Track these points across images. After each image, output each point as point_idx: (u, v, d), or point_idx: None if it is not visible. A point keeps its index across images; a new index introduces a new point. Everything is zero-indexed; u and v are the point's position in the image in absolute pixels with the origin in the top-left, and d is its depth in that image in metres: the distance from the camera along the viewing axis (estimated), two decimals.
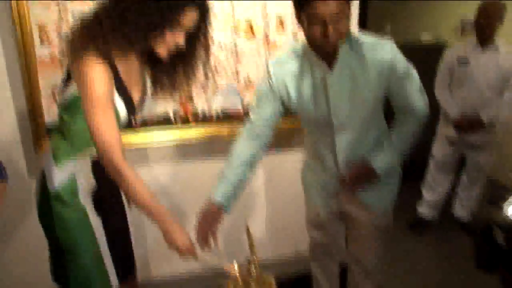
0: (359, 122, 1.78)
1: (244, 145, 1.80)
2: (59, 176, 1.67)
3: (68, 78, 1.62)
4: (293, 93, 1.77)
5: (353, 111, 1.74)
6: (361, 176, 1.81)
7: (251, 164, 1.80)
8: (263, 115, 1.81)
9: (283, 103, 1.81)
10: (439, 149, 3.57)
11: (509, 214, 1.24)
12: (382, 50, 1.67)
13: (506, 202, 1.35)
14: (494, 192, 3.86)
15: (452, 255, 3.23)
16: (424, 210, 3.70)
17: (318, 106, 1.76)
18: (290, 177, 2.71)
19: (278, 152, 2.72)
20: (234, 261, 1.52)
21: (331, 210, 2.03)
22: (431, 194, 3.67)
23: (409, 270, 3.12)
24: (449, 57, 3.37)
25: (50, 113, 2.26)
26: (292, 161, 2.66)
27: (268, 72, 1.78)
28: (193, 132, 2.53)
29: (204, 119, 2.54)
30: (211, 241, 1.71)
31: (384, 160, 1.80)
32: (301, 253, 2.89)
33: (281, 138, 2.69)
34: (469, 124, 3.28)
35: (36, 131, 2.28)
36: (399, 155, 1.82)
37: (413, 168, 3.53)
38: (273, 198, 2.82)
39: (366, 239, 2.01)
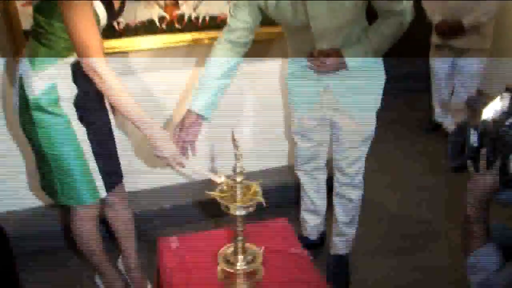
0: (339, 28, 1.72)
1: (222, 52, 1.76)
2: (38, 83, 1.62)
3: None
4: None
5: (332, 18, 1.68)
6: (329, 57, 1.76)
7: (230, 71, 1.77)
8: (242, 21, 1.75)
9: (260, 9, 1.75)
10: (432, 59, 3.60)
11: (483, 116, 1.25)
12: None
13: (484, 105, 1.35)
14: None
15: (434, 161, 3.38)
16: (437, 118, 3.88)
17: (296, 13, 1.69)
18: (277, 86, 2.67)
19: (264, 60, 2.66)
20: (222, 174, 1.52)
21: (315, 118, 2.03)
22: (439, 105, 3.81)
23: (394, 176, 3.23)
24: None
25: (28, 16, 2.13)
26: (278, 69, 2.61)
27: None
28: (179, 38, 2.44)
29: (190, 24, 2.43)
30: (189, 151, 1.71)
31: (356, 53, 1.75)
32: (287, 163, 2.92)
33: (266, 47, 2.62)
34: (450, 29, 3.28)
35: (12, 35, 2.16)
36: (373, 54, 1.77)
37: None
38: (259, 107, 2.80)
39: (349, 147, 2.03)
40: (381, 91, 1.95)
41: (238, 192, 1.44)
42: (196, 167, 1.59)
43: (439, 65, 3.59)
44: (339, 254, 2.33)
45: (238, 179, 1.43)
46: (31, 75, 1.61)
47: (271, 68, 2.70)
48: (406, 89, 4.65)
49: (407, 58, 4.48)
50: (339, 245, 2.32)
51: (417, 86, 4.53)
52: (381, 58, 1.90)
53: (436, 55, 3.58)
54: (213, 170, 1.59)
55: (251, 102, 2.78)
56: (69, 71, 1.65)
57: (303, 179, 2.31)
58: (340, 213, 2.24)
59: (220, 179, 1.50)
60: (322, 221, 2.43)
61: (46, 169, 1.76)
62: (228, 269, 1.52)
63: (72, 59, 1.62)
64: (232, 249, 1.56)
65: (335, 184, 2.21)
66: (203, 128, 1.77)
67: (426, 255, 2.47)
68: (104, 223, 2.11)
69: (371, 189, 2.74)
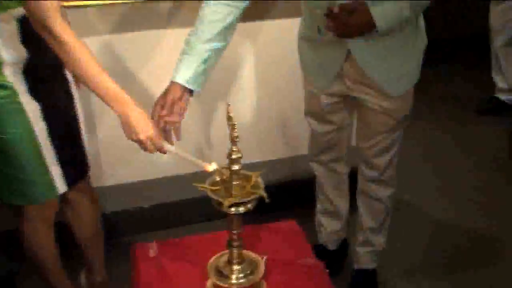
0: None
1: (215, 7, 1.73)
2: None
3: None
4: None
5: None
6: (353, 16, 1.73)
7: (225, 32, 1.75)
8: None
9: None
10: (496, 15, 3.59)
11: None
12: None
13: None
14: None
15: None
16: (499, 94, 3.89)
17: None
18: (286, 53, 2.67)
19: (271, 19, 2.66)
20: (214, 162, 1.53)
21: (333, 94, 2.03)
22: (501, 78, 3.82)
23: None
24: None
25: None
26: (288, 31, 2.61)
27: None
28: None
29: None
30: (172, 133, 1.72)
31: (388, 8, 1.72)
32: (299, 152, 2.94)
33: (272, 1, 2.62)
34: None
35: None
36: (411, 10, 1.74)
37: None
38: (263, 80, 2.81)
39: (378, 132, 2.03)
40: (420, 59, 1.95)
41: (234, 184, 1.45)
42: (181, 154, 1.60)
43: (503, 22, 3.55)
44: (364, 268, 2.36)
45: (235, 167, 1.43)
46: None
47: (279, 30, 2.70)
48: (456, 56, 4.58)
49: (457, 15, 4.42)
50: (365, 257, 2.34)
51: (471, 52, 4.48)
52: (421, 15, 1.90)
53: (498, 8, 3.53)
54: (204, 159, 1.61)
55: (252, 73, 2.79)
56: (15, 28, 1.64)
57: (320, 172, 2.32)
58: (366, 217, 2.26)
59: (211, 166, 1.50)
60: (343, 226, 2.44)
61: None
62: (220, 283, 1.53)
63: (19, 12, 1.61)
64: (226, 258, 1.56)
65: (360, 180, 2.22)
66: (191, 105, 1.78)
67: (483, 274, 2.46)
68: (61, 226, 2.13)
69: (407, 187, 2.74)
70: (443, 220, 2.82)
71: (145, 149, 1.61)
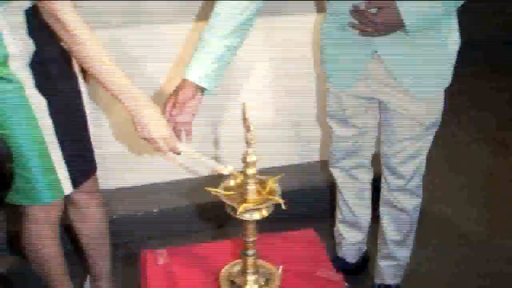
0: None
1: (233, 2, 1.75)
2: None
3: None
4: None
5: None
6: (380, 13, 1.74)
7: (242, 27, 1.77)
8: None
9: None
10: None
11: None
12: None
13: None
14: None
15: None
16: None
17: None
18: (307, 51, 2.68)
19: (291, 15, 2.67)
20: (229, 165, 1.54)
21: (358, 96, 2.04)
22: None
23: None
24: None
25: None
26: (310, 28, 2.62)
27: None
28: None
29: None
30: (184, 134, 1.74)
31: (416, 7, 1.72)
32: (319, 157, 2.94)
33: None
34: None
35: None
36: (443, 6, 1.75)
37: None
38: (281, 79, 2.81)
39: (404, 138, 2.03)
40: (452, 61, 1.94)
41: (250, 188, 1.45)
42: (196, 155, 1.60)
43: None
44: (386, 283, 2.35)
45: (250, 171, 1.44)
46: None
47: (297, 26, 2.67)
48: (490, 58, 4.52)
49: (494, 16, 4.35)
50: (387, 271, 2.33)
51: (508, 56, 4.42)
52: (455, 14, 1.89)
53: None
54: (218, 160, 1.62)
55: (270, 72, 2.79)
56: (23, 20, 1.66)
57: (341, 179, 2.32)
58: (389, 228, 2.25)
59: (227, 169, 1.52)
60: (365, 237, 2.45)
61: None
62: None
63: (26, 2, 1.63)
64: (239, 267, 1.58)
65: (384, 188, 2.22)
66: (204, 104, 1.79)
67: None
68: (66, 230, 2.15)
69: (435, 197, 2.72)
70: (475, 234, 2.79)
71: (157, 149, 1.62)
